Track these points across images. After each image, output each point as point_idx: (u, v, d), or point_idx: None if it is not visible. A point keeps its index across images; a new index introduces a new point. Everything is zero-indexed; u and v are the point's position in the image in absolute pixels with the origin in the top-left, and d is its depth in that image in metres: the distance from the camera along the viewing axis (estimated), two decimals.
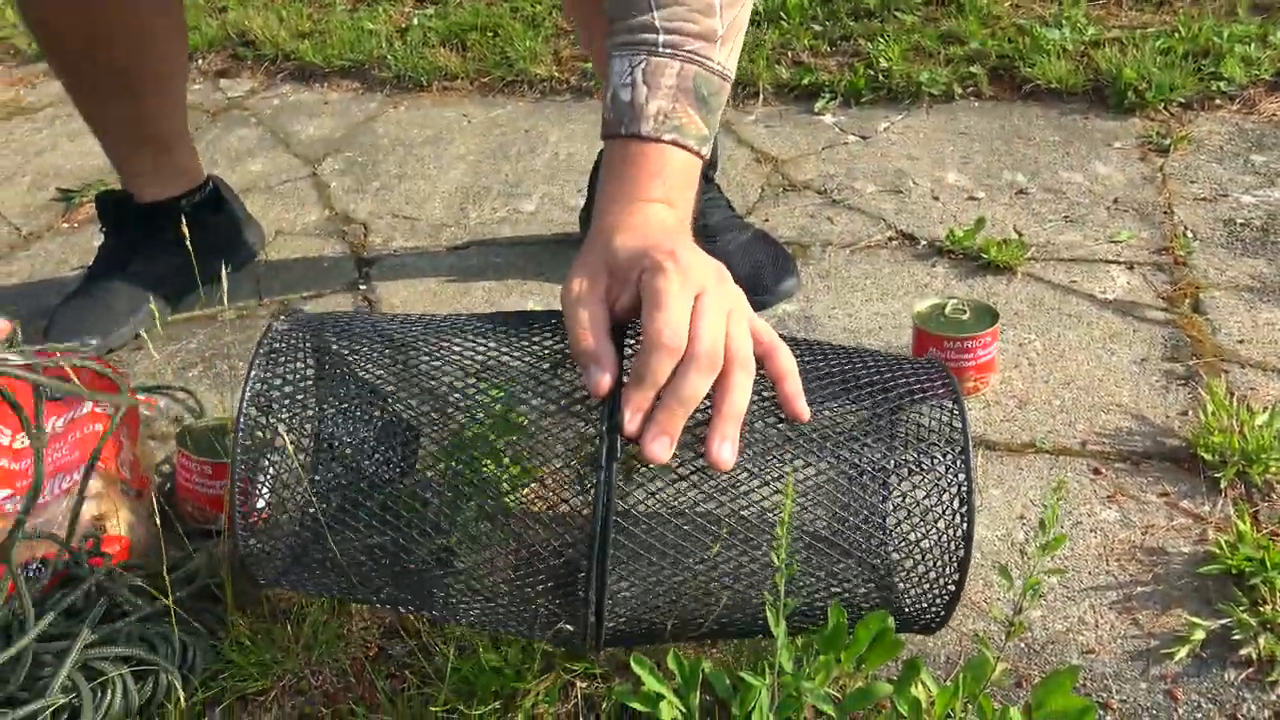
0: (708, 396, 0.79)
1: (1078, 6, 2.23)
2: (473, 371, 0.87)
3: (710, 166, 1.62)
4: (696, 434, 0.80)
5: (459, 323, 0.91)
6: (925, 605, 0.88)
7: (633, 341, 0.84)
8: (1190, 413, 1.23)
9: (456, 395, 0.87)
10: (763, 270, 1.48)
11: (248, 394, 0.86)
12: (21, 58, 2.68)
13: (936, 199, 1.73)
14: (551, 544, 0.83)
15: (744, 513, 0.86)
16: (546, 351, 0.87)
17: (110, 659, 0.90)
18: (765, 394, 0.84)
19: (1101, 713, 0.91)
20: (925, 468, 0.87)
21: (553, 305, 0.89)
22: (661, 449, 0.76)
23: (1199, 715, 0.90)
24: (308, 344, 0.93)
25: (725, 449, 0.77)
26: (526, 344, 0.88)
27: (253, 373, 0.87)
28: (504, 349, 0.87)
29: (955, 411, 0.86)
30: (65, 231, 1.85)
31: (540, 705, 0.89)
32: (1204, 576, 1.02)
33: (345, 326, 0.94)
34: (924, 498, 0.86)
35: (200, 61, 2.50)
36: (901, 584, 0.89)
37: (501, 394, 0.86)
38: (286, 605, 1.00)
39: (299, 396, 0.91)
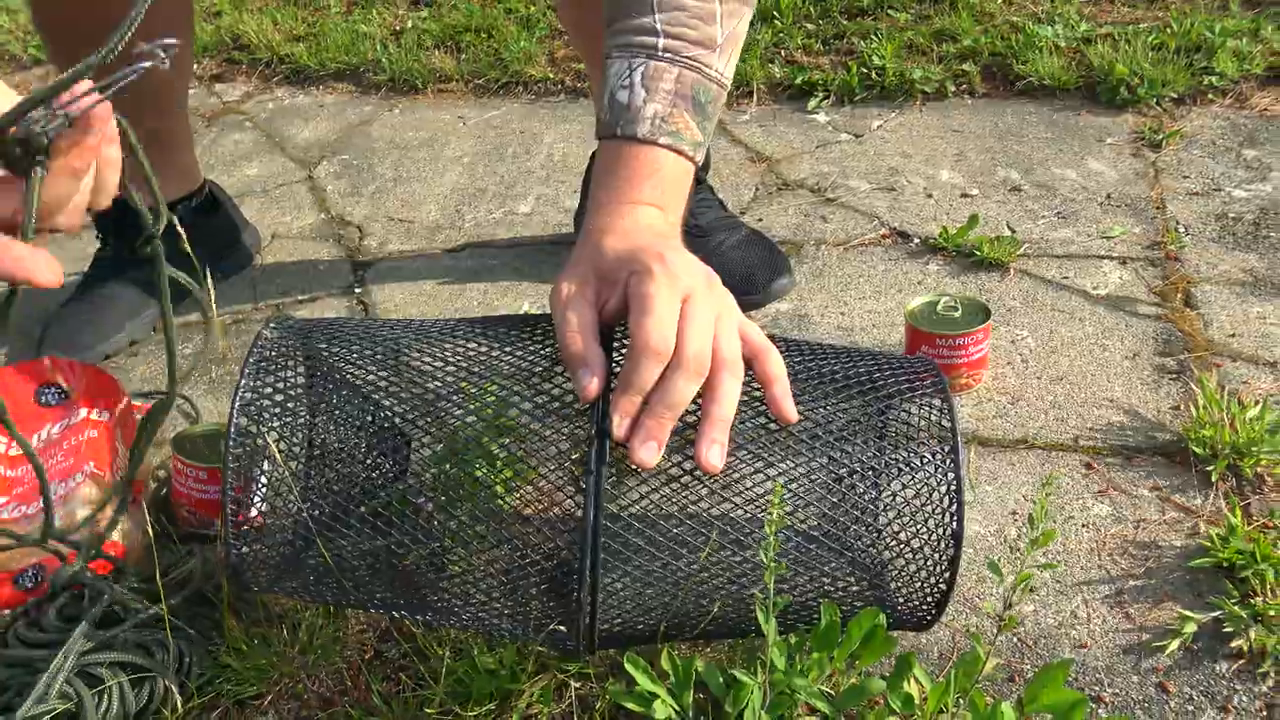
0: (697, 399, 0.79)
1: (1070, 3, 2.23)
2: (463, 378, 0.88)
3: (703, 168, 1.63)
4: (687, 436, 0.81)
5: (450, 327, 0.91)
6: (917, 603, 0.88)
7: (622, 346, 0.84)
8: (1182, 407, 1.23)
9: (446, 402, 0.87)
10: (756, 270, 1.48)
11: (238, 403, 0.86)
12: (17, 63, 2.69)
13: (930, 197, 1.73)
14: (544, 547, 0.84)
15: (735, 514, 0.87)
16: (536, 356, 0.87)
17: (107, 665, 0.91)
18: (755, 395, 0.84)
19: (1094, 706, 0.91)
20: (915, 466, 0.87)
21: (548, 308, 0.89)
22: (649, 454, 0.77)
23: (1191, 708, 0.90)
24: (298, 351, 0.93)
25: (714, 453, 0.78)
26: (517, 348, 0.88)
27: (243, 381, 0.87)
28: (495, 353, 0.87)
29: (945, 409, 0.86)
30: (60, 239, 1.85)
31: (535, 706, 0.90)
32: (1195, 570, 1.02)
33: (335, 332, 0.94)
34: (914, 496, 0.87)
35: (195, 66, 2.50)
36: (893, 582, 0.89)
37: (493, 398, 0.86)
38: (282, 610, 1.00)
39: (290, 404, 0.91)
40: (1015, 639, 0.98)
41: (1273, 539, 1.02)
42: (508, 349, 0.87)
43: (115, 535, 1.02)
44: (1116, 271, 1.49)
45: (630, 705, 0.87)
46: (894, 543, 0.88)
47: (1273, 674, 0.92)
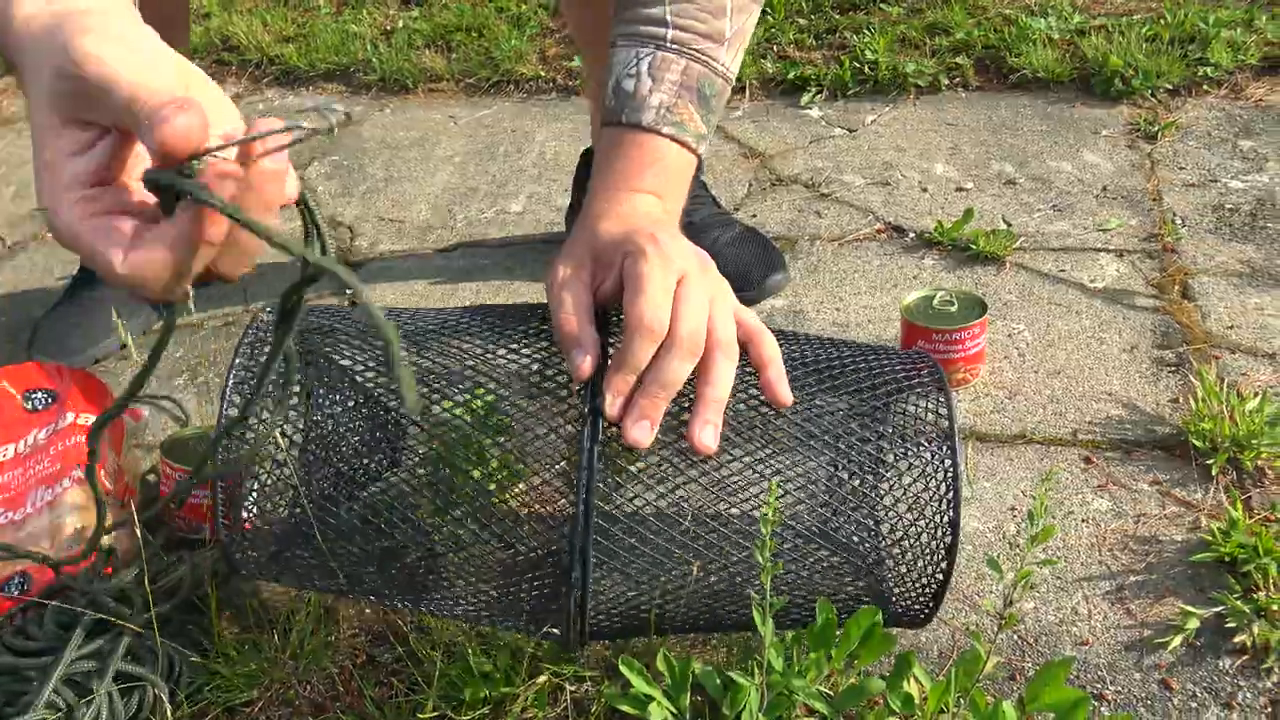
0: (691, 382, 0.78)
1: None
2: (457, 370, 0.87)
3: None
4: (682, 420, 0.80)
5: (448, 322, 0.90)
6: (913, 599, 0.87)
7: (618, 328, 0.83)
8: (1181, 400, 1.22)
9: (438, 395, 0.86)
10: (751, 266, 1.47)
11: (230, 382, 0.85)
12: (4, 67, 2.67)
13: (924, 191, 1.72)
14: (536, 529, 0.83)
15: (730, 508, 0.86)
16: (534, 349, 0.86)
17: (95, 673, 0.89)
18: (749, 381, 0.83)
19: (1096, 704, 0.90)
20: (913, 462, 0.86)
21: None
22: (642, 433, 0.76)
23: (1194, 705, 0.89)
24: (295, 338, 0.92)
25: (707, 433, 0.77)
26: (515, 340, 0.87)
27: (236, 360, 0.87)
28: (491, 348, 0.86)
29: (942, 402, 0.85)
30: (49, 242, 1.84)
31: (529, 710, 0.89)
32: (1197, 564, 1.01)
33: (329, 320, 0.93)
34: (911, 490, 0.86)
35: None
36: (890, 578, 0.88)
37: (485, 393, 0.85)
38: (273, 615, 0.99)
39: (283, 384, 0.90)
40: (1016, 636, 0.96)
41: (1275, 533, 1.01)
42: (505, 344, 0.86)
43: (104, 540, 1.01)
44: (1113, 264, 1.48)
45: (626, 708, 0.86)
46: (891, 534, 0.87)
47: (1277, 670, 0.91)
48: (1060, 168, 1.74)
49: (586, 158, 1.58)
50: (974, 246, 1.52)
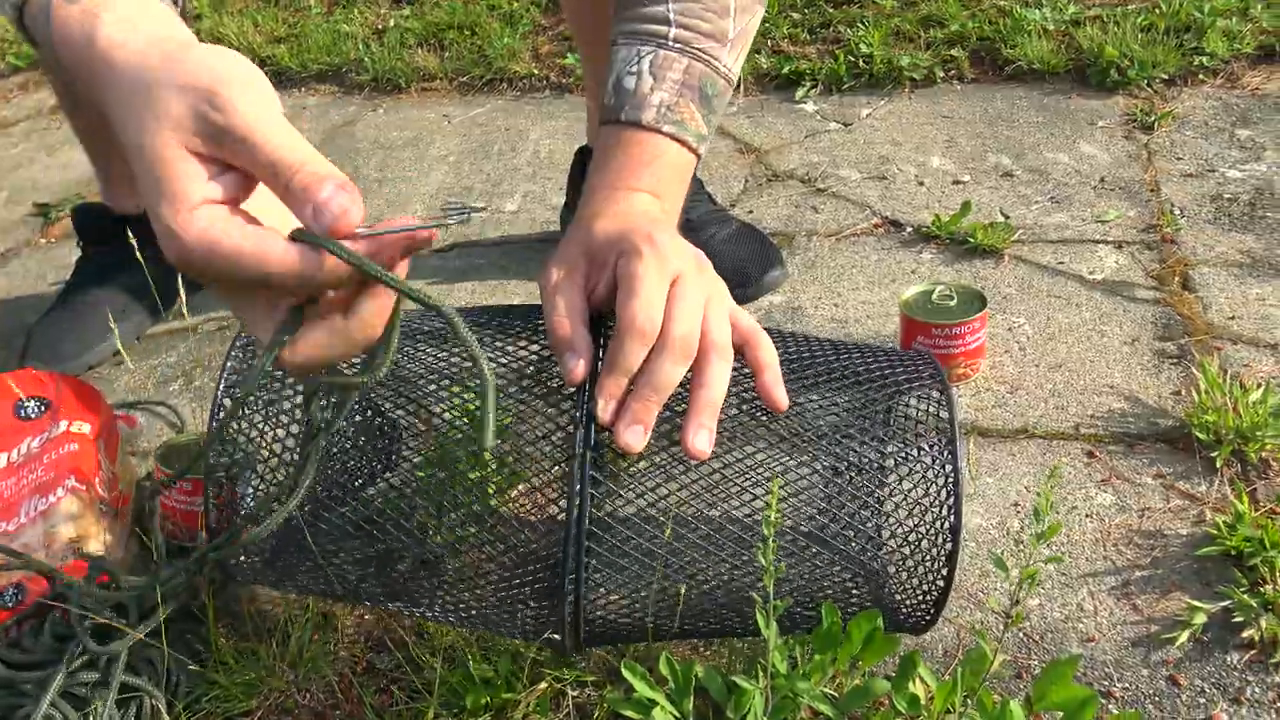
0: (685, 384, 0.77)
1: None
2: (452, 375, 0.86)
3: None
4: (677, 425, 0.78)
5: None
6: (914, 605, 0.86)
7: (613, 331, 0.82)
8: (1183, 392, 1.21)
9: (433, 399, 0.85)
10: (748, 263, 1.46)
11: (223, 384, 0.84)
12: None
13: (921, 184, 1.71)
14: (530, 536, 0.82)
15: (729, 511, 0.85)
16: (526, 348, 0.85)
17: (93, 685, 0.88)
18: (746, 384, 0.82)
19: (1104, 702, 0.89)
20: (913, 462, 0.85)
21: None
22: (635, 437, 0.75)
23: (1202, 700, 0.88)
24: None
25: (701, 438, 0.75)
26: (507, 339, 0.86)
27: (229, 363, 0.86)
28: (487, 345, 0.85)
29: (943, 400, 0.84)
30: (42, 247, 1.83)
31: (532, 716, 0.88)
32: (1203, 558, 1.00)
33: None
34: (911, 491, 0.85)
35: None
36: (890, 582, 0.87)
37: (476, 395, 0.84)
38: (271, 622, 0.98)
39: (277, 385, 0.89)
40: (1021, 634, 0.96)
41: None
42: (504, 345, 0.85)
43: (98, 550, 1.00)
44: (1112, 256, 1.47)
45: (629, 713, 0.85)
46: (891, 540, 0.86)
47: None
48: (1057, 159, 1.73)
49: (582, 156, 1.56)
50: (972, 240, 1.51)
